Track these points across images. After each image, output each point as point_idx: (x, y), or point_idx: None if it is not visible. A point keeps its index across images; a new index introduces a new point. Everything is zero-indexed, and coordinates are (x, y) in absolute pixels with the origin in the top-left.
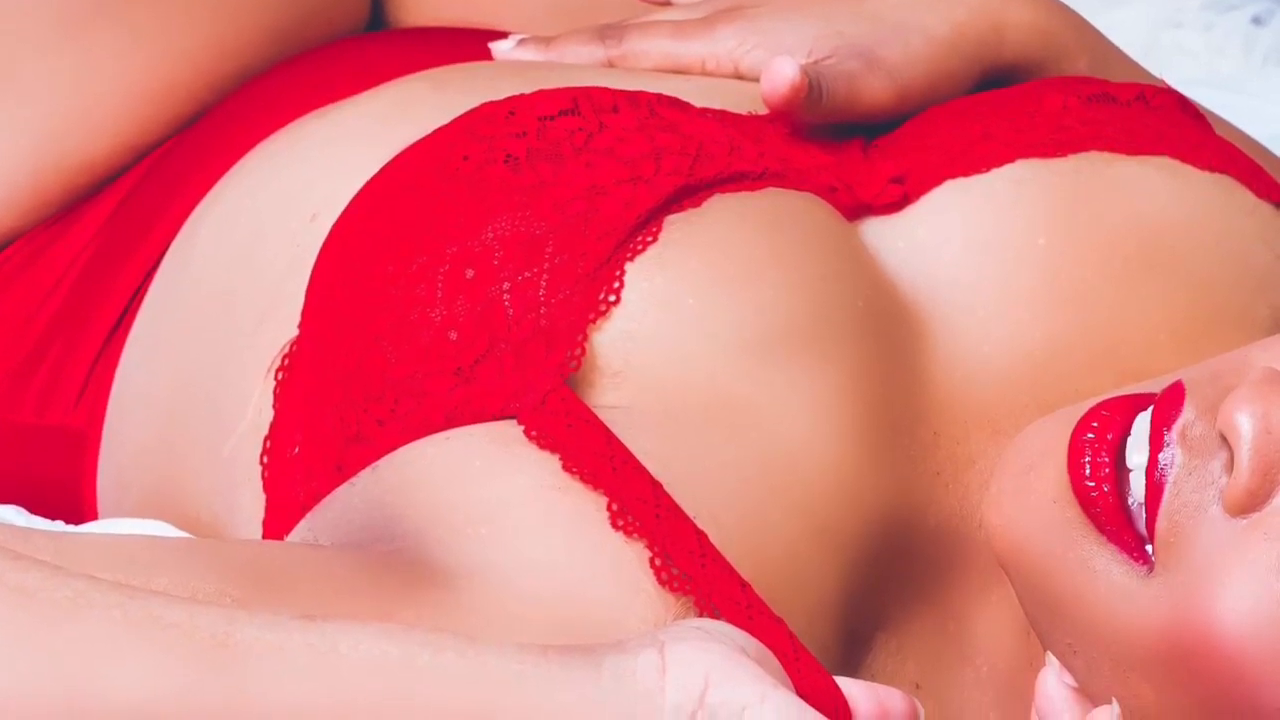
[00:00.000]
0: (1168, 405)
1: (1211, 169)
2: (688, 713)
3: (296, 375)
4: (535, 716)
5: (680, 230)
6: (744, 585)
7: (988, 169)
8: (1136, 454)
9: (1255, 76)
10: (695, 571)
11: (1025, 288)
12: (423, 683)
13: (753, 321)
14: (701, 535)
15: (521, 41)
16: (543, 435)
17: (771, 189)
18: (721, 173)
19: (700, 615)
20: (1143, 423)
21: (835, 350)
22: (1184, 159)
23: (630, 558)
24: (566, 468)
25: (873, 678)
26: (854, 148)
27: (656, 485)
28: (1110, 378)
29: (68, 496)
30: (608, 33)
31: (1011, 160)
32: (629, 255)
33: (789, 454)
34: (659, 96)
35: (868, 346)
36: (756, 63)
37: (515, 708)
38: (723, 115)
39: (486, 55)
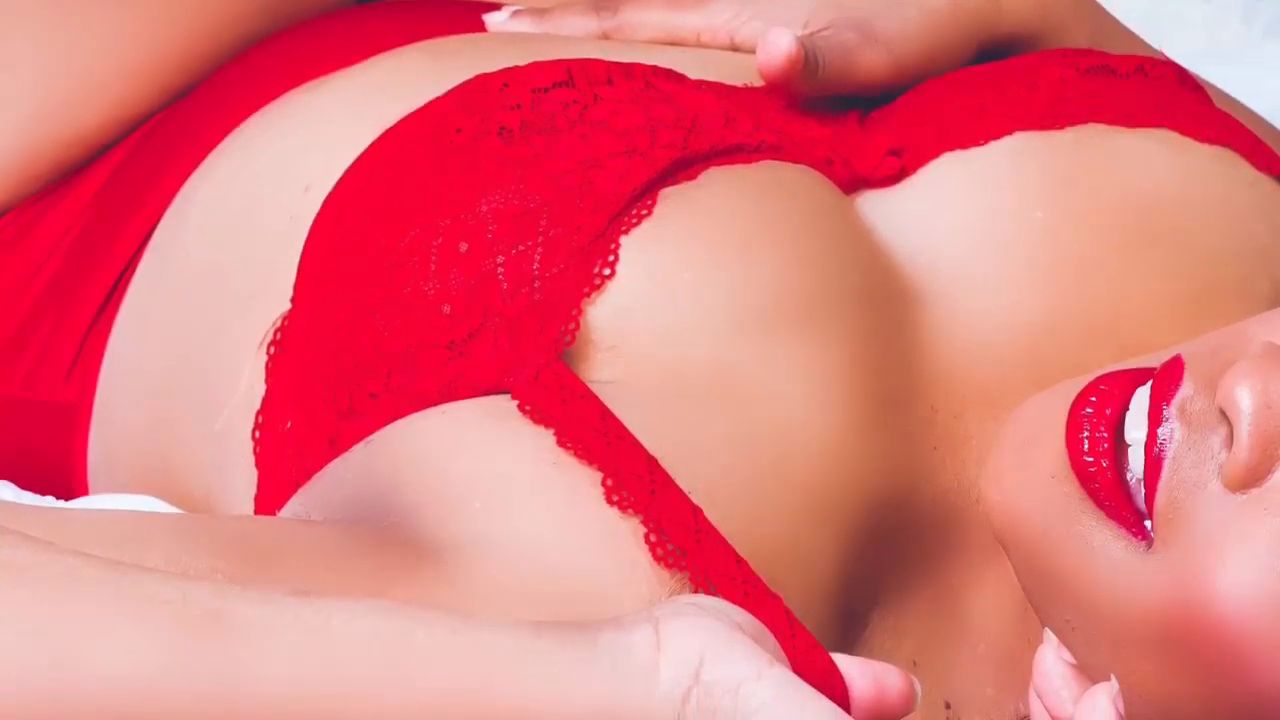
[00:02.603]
0: (1167, 380)
1: (1211, 142)
2: (683, 689)
3: (289, 349)
4: (529, 693)
5: (675, 204)
6: (740, 561)
7: (985, 142)
8: (1135, 429)
9: (1255, 48)
10: (691, 547)
11: (1023, 261)
12: (416, 659)
13: (748, 295)
14: (697, 511)
15: (515, 13)
16: (537, 410)
17: (767, 162)
18: (717, 145)
19: (696, 591)
20: (1142, 397)
21: (831, 325)
22: (1184, 131)
23: (625, 533)
24: (561, 443)
25: (870, 655)
26: (851, 120)
27: (652, 461)
28: (1109, 352)
29: (58, 472)
30: (602, 5)
31: (1010, 133)
32: (624, 229)
33: (785, 429)
34: (654, 69)
35: (864, 321)
36: (752, 34)
37: (509, 685)
38: (718, 87)
39: (480, 27)
